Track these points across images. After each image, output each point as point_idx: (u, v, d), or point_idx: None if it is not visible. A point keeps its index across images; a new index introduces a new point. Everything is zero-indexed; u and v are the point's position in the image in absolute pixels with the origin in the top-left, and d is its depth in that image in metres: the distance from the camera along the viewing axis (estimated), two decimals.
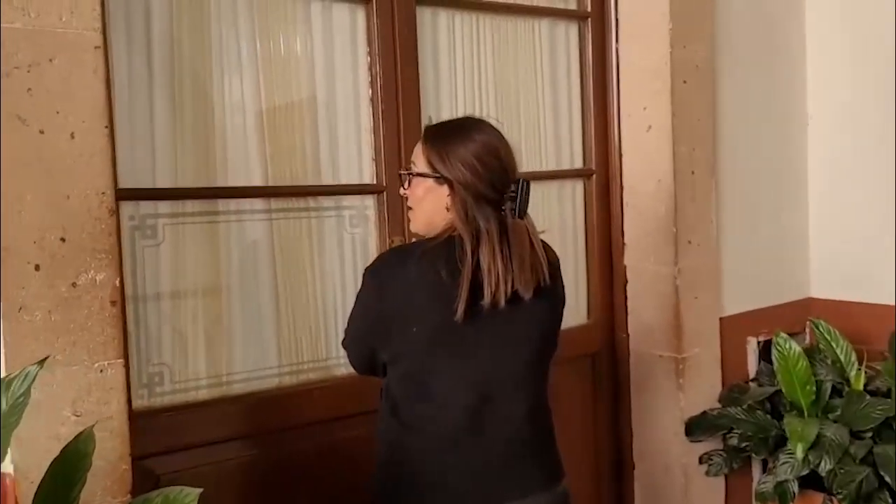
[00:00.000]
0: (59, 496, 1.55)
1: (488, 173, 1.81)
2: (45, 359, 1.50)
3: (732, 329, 3.21)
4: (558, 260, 1.96)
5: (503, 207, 1.82)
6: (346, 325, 1.98)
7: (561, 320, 1.98)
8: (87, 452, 1.56)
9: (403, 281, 1.79)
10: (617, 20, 3.08)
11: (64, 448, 1.58)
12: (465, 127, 1.90)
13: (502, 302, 1.76)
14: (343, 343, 2.01)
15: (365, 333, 1.91)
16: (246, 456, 2.36)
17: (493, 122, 1.94)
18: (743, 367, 3.26)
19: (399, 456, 1.86)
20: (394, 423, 1.85)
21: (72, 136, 1.88)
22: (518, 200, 1.83)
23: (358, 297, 1.91)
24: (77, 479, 1.54)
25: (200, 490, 1.58)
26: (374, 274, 1.86)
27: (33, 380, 1.35)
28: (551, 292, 1.88)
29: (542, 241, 1.88)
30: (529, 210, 1.86)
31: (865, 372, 2.92)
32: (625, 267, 3.14)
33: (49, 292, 1.86)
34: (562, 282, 1.97)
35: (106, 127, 1.93)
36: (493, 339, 1.82)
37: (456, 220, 1.81)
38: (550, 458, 1.95)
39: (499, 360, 1.84)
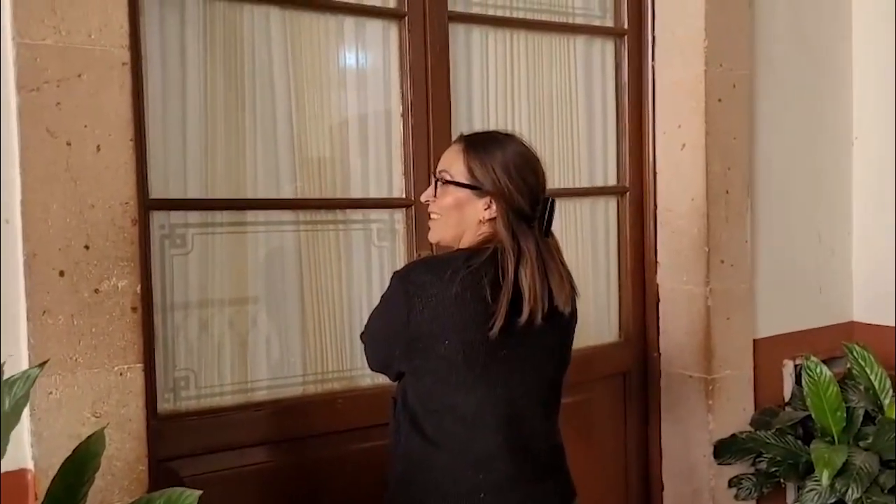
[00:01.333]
0: (68, 494, 1.61)
1: (527, 188, 1.81)
2: (45, 362, 1.57)
3: (768, 351, 3.16)
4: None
5: (533, 224, 1.82)
6: (367, 319, 1.97)
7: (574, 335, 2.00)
8: (96, 453, 1.62)
9: (437, 296, 1.76)
10: (653, 37, 3.08)
11: (76, 448, 1.65)
12: (503, 139, 1.89)
13: (538, 320, 1.77)
14: (361, 337, 2.02)
15: (385, 338, 1.88)
16: (269, 462, 2.41)
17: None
18: (779, 391, 3.21)
19: (423, 473, 1.84)
20: (416, 437, 1.83)
21: (98, 148, 1.96)
22: (545, 218, 1.83)
23: (383, 299, 1.87)
24: (85, 479, 1.60)
25: (200, 492, 1.63)
26: (405, 283, 1.80)
27: (33, 382, 1.42)
28: (573, 309, 1.91)
29: None
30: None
31: None
32: (657, 286, 3.13)
33: (72, 297, 1.94)
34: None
35: (131, 140, 2.01)
36: (523, 357, 1.82)
37: (501, 236, 1.79)
38: (566, 475, 1.96)
39: (527, 378, 1.84)
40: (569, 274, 1.87)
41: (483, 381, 1.80)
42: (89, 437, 1.62)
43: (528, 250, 1.78)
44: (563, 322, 1.88)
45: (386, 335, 1.88)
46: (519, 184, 1.80)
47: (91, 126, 1.96)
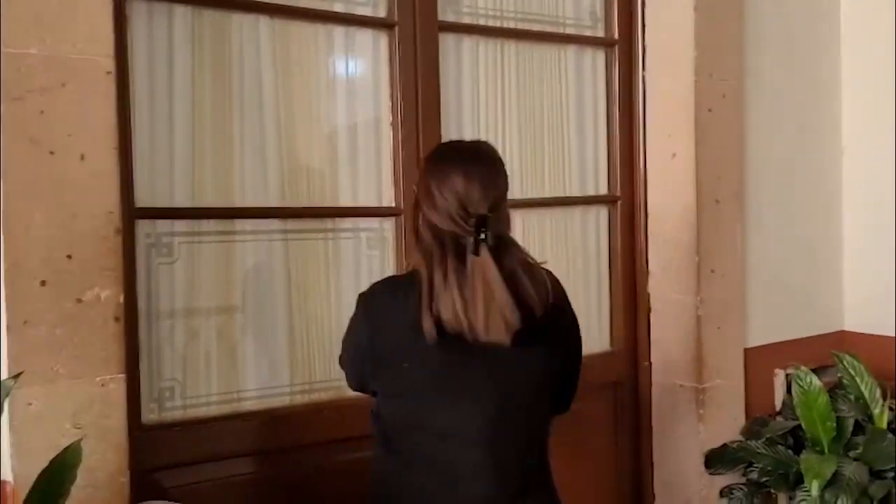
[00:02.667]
0: None
1: (445, 204, 1.76)
2: (20, 374, 1.56)
3: (759, 360, 3.15)
4: (557, 294, 1.86)
5: (462, 242, 1.74)
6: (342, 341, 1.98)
7: (562, 360, 1.91)
8: (73, 465, 1.61)
9: (394, 317, 1.77)
10: (644, 48, 3.08)
11: (52, 460, 1.64)
12: (453, 149, 1.91)
13: (480, 337, 1.70)
14: (339, 360, 2.03)
15: (355, 360, 1.91)
16: (254, 473, 2.39)
17: (488, 149, 1.90)
18: (770, 400, 3.20)
19: (393, 493, 1.84)
20: (387, 456, 1.84)
21: (81, 157, 1.96)
22: (475, 238, 1.73)
23: (350, 320, 1.90)
24: (62, 490, 1.58)
25: None
26: (365, 304, 1.85)
27: (8, 393, 1.41)
28: (546, 332, 1.80)
29: (545, 273, 1.83)
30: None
31: (892, 409, 2.83)
32: (649, 295, 3.12)
33: (54, 307, 1.93)
34: (566, 320, 1.91)
35: (115, 149, 2.01)
36: (486, 378, 1.78)
37: (421, 254, 1.80)
38: (550, 493, 1.91)
39: (500, 394, 1.79)
40: (504, 297, 1.71)
41: (452, 399, 1.77)
42: (66, 448, 1.61)
43: (445, 270, 1.71)
44: (531, 347, 1.78)
45: (355, 356, 1.90)
46: (439, 200, 1.76)
47: (75, 135, 1.95)
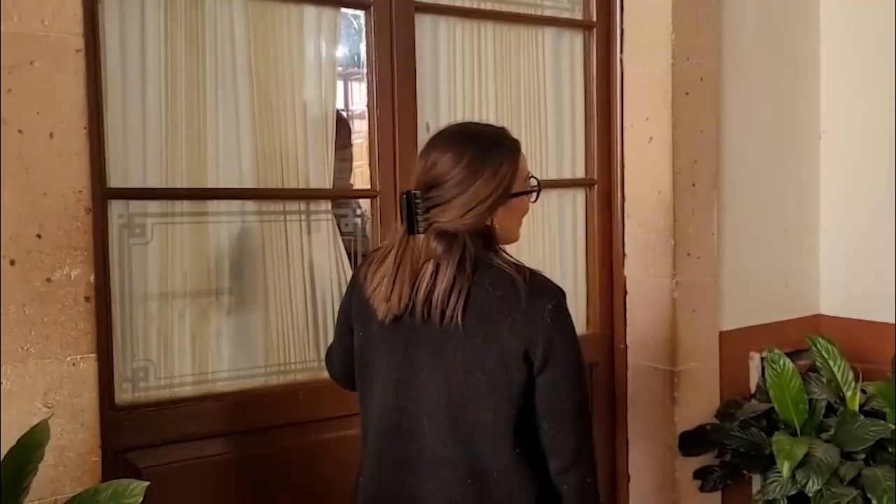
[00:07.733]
0: (12, 484, 1.60)
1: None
2: None
3: (734, 343, 3.16)
4: (525, 297, 1.67)
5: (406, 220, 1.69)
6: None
7: (516, 371, 1.66)
8: (40, 444, 1.61)
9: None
10: (622, 30, 3.07)
11: (20, 438, 1.64)
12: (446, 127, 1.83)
13: (391, 317, 1.67)
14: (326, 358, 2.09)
15: (337, 336, 1.96)
16: (229, 453, 2.40)
17: (474, 134, 1.78)
18: (745, 383, 3.21)
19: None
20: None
21: (50, 135, 1.95)
22: (406, 214, 1.68)
23: None
24: (29, 469, 1.58)
25: (147, 483, 1.62)
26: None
27: None
28: (489, 331, 1.64)
29: (528, 274, 1.70)
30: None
31: (864, 391, 2.86)
32: (625, 278, 3.12)
33: (24, 287, 1.93)
34: (526, 322, 1.67)
35: (85, 128, 1.99)
36: (408, 367, 1.69)
37: None
38: None
39: (412, 393, 1.69)
40: (431, 282, 1.64)
41: (370, 393, 1.78)
42: (33, 427, 1.61)
43: (385, 247, 1.74)
44: (470, 342, 1.64)
45: (338, 331, 1.98)
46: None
47: (43, 113, 1.94)
